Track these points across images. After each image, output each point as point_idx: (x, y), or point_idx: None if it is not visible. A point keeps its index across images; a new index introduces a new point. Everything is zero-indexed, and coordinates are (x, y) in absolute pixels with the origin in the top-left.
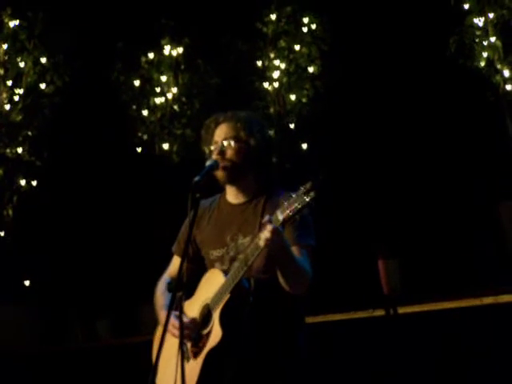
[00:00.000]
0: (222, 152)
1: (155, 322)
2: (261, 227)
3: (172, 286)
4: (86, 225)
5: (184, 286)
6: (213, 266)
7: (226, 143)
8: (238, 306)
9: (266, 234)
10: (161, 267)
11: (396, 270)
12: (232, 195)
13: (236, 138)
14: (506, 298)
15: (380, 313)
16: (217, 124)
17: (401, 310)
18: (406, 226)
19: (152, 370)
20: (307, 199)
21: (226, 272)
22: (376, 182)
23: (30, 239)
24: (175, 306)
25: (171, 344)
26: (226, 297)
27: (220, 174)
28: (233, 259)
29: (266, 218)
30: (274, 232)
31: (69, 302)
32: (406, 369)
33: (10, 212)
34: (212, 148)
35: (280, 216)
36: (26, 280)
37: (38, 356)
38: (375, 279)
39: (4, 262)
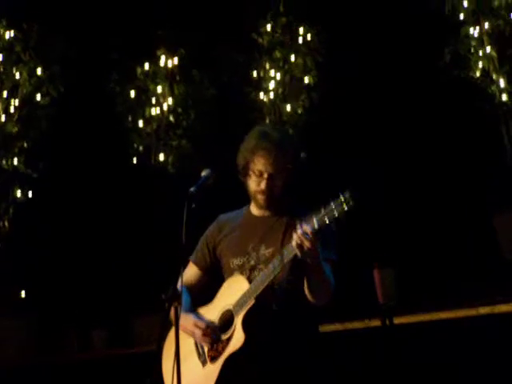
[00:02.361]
0: (269, 184)
1: (149, 334)
2: (294, 231)
3: (168, 297)
4: (81, 236)
5: (180, 297)
6: (232, 275)
7: (274, 178)
8: (261, 313)
9: (298, 236)
10: (157, 279)
11: (392, 279)
12: (257, 208)
13: (284, 173)
14: (502, 308)
15: (376, 323)
16: (263, 151)
17: (396, 320)
18: (401, 236)
19: (152, 372)
20: (345, 208)
21: (249, 279)
22: (372, 192)
23: (26, 250)
24: (193, 310)
25: (185, 345)
26: (251, 302)
27: (261, 200)
28: (253, 268)
29: (301, 223)
30: (307, 234)
31: (64, 313)
32: (401, 379)
33: (6, 223)
34: (252, 171)
35: (316, 223)
36: (21, 291)
37: (33, 367)
38: (371, 289)
39: (0, 273)
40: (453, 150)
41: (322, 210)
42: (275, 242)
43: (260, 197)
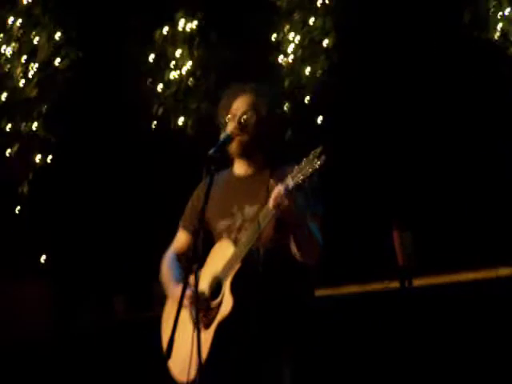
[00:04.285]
0: (241, 124)
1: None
2: (269, 193)
3: (186, 260)
4: (102, 200)
5: (199, 258)
6: (221, 237)
7: (245, 116)
8: (248, 275)
9: (274, 196)
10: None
11: (411, 241)
12: (240, 167)
13: (256, 112)
14: None
15: (395, 285)
16: (236, 95)
17: (416, 282)
18: (420, 199)
19: (168, 342)
20: (317, 164)
21: (234, 242)
22: (391, 156)
23: (46, 215)
24: (191, 277)
25: (182, 316)
26: (237, 266)
27: (235, 145)
28: (240, 228)
29: (277, 184)
30: (283, 194)
31: (85, 278)
32: (420, 340)
33: (26, 188)
34: (229, 118)
35: (290, 181)
36: (41, 256)
37: (54, 331)
38: (390, 251)
39: (20, 238)
40: (471, 112)
41: (296, 168)
42: (259, 199)
43: (233, 141)
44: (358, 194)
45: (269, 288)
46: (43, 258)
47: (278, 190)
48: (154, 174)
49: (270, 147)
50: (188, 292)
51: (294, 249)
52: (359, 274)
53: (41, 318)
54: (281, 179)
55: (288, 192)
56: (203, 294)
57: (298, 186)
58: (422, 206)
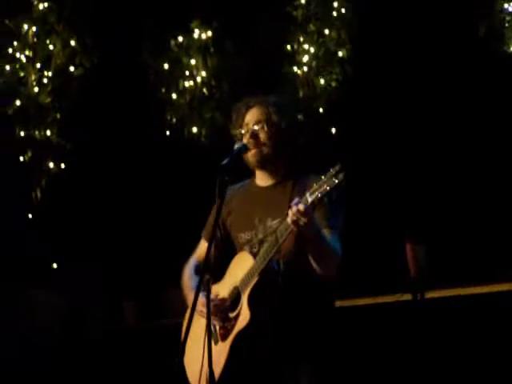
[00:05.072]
0: (254, 136)
1: (182, 305)
2: (289, 208)
3: (200, 269)
4: (114, 207)
5: (211, 269)
6: (242, 250)
7: (258, 127)
8: (266, 287)
9: (293, 213)
10: (188, 250)
11: (424, 254)
12: (261, 178)
13: (268, 122)
14: None
15: (407, 297)
16: (248, 107)
17: (428, 295)
18: (433, 211)
19: (180, 350)
20: (336, 181)
21: (255, 255)
22: (405, 167)
23: (59, 222)
24: (203, 288)
25: (199, 325)
26: (255, 279)
27: (252, 158)
28: (261, 242)
29: (295, 199)
30: (302, 211)
31: (95, 284)
32: (432, 354)
33: (39, 195)
34: (243, 131)
35: (309, 198)
36: (53, 263)
37: (63, 339)
38: (403, 263)
39: (32, 246)
40: (487, 125)
41: (315, 185)
42: (281, 213)
43: (249, 153)
44: (369, 206)
45: (288, 300)
46: (55, 265)
47: (296, 206)
48: (166, 183)
49: (287, 157)
50: (204, 301)
51: (312, 262)
52: (371, 287)
53: (51, 324)
54: (303, 191)
55: (306, 209)
56: (224, 300)
57: (315, 203)
58: (436, 219)
